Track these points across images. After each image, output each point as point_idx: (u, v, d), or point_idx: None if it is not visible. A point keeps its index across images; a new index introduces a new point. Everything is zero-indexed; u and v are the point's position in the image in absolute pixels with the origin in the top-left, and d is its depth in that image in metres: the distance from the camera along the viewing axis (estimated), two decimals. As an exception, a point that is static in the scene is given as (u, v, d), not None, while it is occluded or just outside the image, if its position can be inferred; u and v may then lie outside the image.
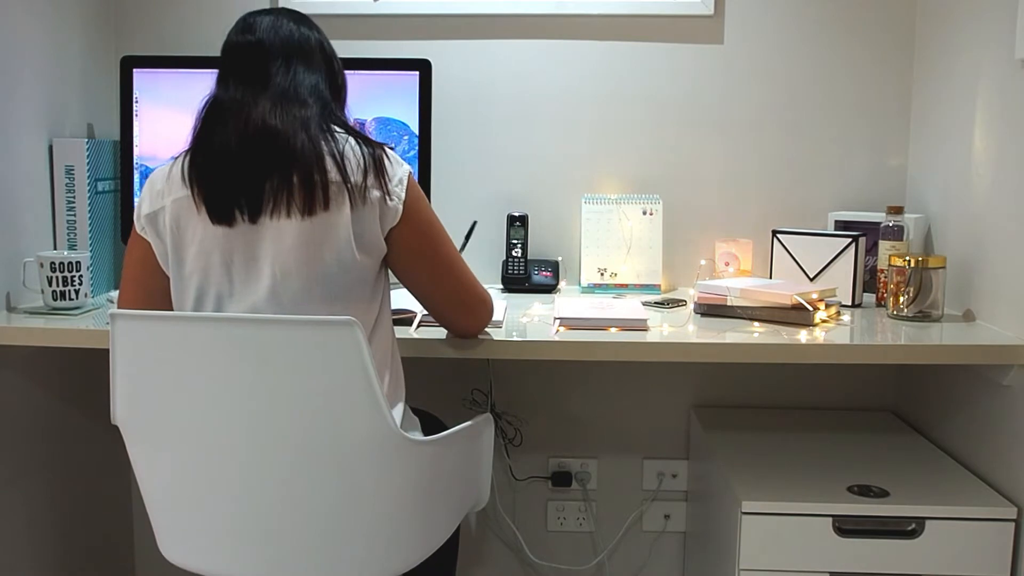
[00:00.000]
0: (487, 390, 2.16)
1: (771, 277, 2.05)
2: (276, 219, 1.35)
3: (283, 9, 1.50)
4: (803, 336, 1.68)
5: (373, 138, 1.44)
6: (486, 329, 1.63)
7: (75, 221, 1.93)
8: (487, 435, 1.63)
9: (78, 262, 1.79)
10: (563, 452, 2.26)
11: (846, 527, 1.62)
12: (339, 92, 1.51)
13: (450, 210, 1.99)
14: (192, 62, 1.99)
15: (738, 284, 1.86)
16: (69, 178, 1.92)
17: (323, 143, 1.37)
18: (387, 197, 1.38)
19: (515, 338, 1.64)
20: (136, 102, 1.98)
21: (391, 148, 1.45)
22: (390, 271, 1.48)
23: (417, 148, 1.98)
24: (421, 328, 1.66)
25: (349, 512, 1.35)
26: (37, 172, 1.88)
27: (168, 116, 1.98)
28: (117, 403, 1.36)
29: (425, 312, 1.61)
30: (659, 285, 2.12)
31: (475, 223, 1.98)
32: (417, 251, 1.44)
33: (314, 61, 1.45)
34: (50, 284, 1.78)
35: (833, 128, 2.16)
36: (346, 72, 1.54)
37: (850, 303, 1.95)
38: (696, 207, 2.19)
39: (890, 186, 2.17)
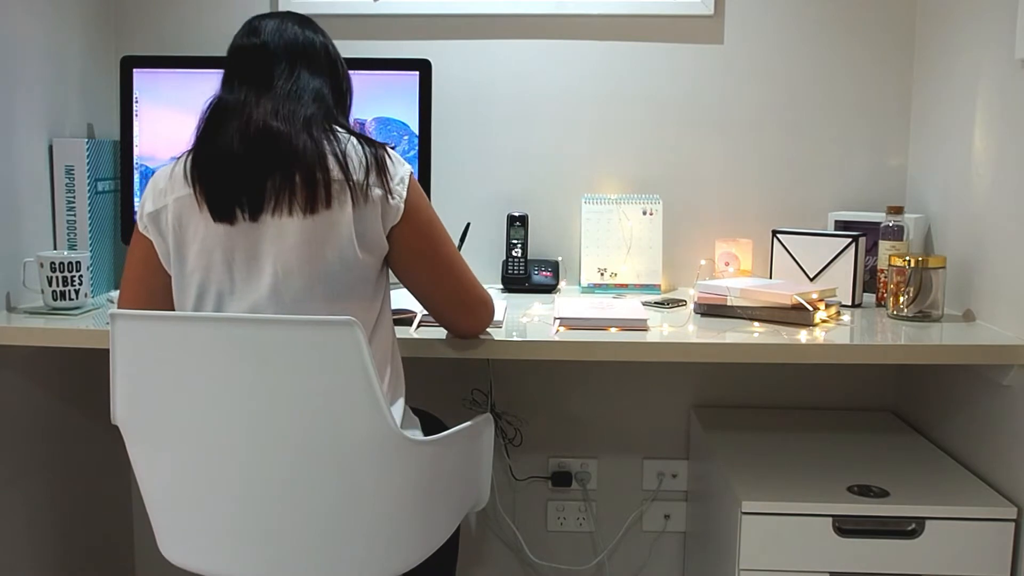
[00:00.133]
0: (487, 390, 2.16)
1: (771, 277, 2.05)
2: (278, 217, 1.35)
3: (289, 13, 1.51)
4: (803, 336, 1.68)
5: (374, 138, 1.44)
6: (486, 329, 1.63)
7: (75, 221, 1.93)
8: (487, 435, 1.63)
9: (78, 262, 1.79)
10: (563, 452, 2.26)
11: (846, 527, 1.62)
12: (343, 96, 1.52)
13: (450, 210, 1.99)
14: (192, 62, 1.99)
15: (738, 284, 1.86)
16: (69, 178, 1.92)
17: (325, 143, 1.37)
18: (389, 196, 1.39)
19: (515, 338, 1.64)
20: (136, 102, 1.98)
21: (392, 148, 1.45)
22: (391, 271, 1.48)
23: (417, 148, 1.98)
24: (421, 328, 1.66)
25: (349, 512, 1.35)
26: (37, 172, 1.88)
27: (168, 116, 1.98)
28: (117, 403, 1.36)
29: (425, 312, 1.61)
30: (659, 285, 2.12)
31: (468, 225, 1.97)
32: (418, 250, 1.45)
33: (318, 65, 1.46)
34: (50, 284, 1.78)
35: (833, 128, 2.16)
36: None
37: (850, 303, 1.95)
38: (696, 207, 2.19)
39: (890, 186, 2.17)
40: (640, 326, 1.70)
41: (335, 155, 1.37)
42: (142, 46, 2.17)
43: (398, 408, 1.44)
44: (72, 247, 1.93)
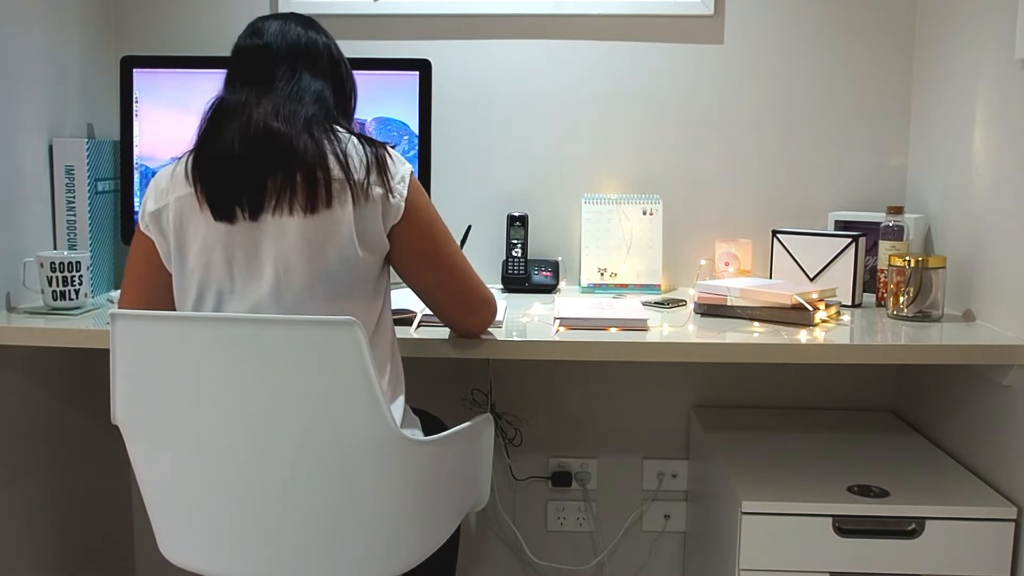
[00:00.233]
0: (487, 390, 2.16)
1: (771, 277, 2.05)
2: (278, 216, 1.35)
3: (292, 14, 1.51)
4: (803, 336, 1.68)
5: (375, 138, 1.44)
6: (488, 329, 1.63)
7: (75, 221, 1.93)
8: (487, 435, 1.63)
9: (78, 262, 1.79)
10: (563, 452, 2.26)
11: (846, 527, 1.62)
12: (345, 97, 1.52)
13: (450, 210, 1.98)
14: (192, 62, 1.99)
15: (738, 284, 1.86)
16: (69, 178, 1.92)
17: (326, 142, 1.37)
18: (389, 194, 1.39)
19: (515, 338, 1.64)
20: (136, 102, 1.98)
21: (392, 147, 1.46)
22: (393, 270, 1.48)
23: (417, 148, 1.98)
24: (421, 328, 1.66)
25: (349, 512, 1.35)
26: (37, 172, 1.88)
27: (168, 116, 1.98)
28: (117, 403, 1.36)
29: (426, 312, 1.61)
30: (659, 285, 2.12)
31: (469, 227, 1.97)
32: (419, 250, 1.45)
33: (320, 66, 1.46)
34: (50, 284, 1.78)
35: (833, 128, 2.16)
36: (348, 73, 1.54)
37: (850, 303, 1.95)
38: (696, 207, 2.19)
39: (890, 186, 2.17)
40: (640, 326, 1.70)
41: (336, 154, 1.37)
42: (142, 46, 2.17)
43: (398, 408, 1.44)
44: (72, 247, 1.93)
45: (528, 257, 2.14)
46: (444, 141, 2.13)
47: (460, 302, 1.53)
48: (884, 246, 1.97)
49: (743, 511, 1.63)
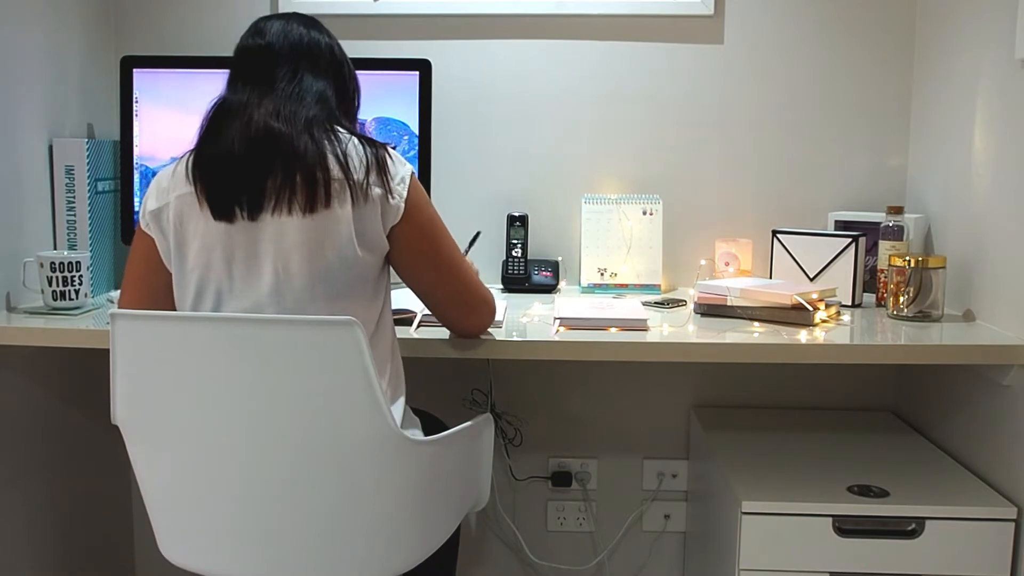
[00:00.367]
0: (487, 390, 2.16)
1: (771, 277, 2.05)
2: (277, 216, 1.35)
3: (295, 14, 1.51)
4: (803, 336, 1.68)
5: (375, 139, 1.45)
6: (487, 329, 1.63)
7: (75, 221, 1.93)
8: (487, 435, 1.63)
9: (78, 262, 1.79)
10: (563, 452, 2.26)
11: (846, 527, 1.62)
12: (348, 98, 1.52)
13: (450, 210, 1.98)
14: (192, 62, 1.99)
15: (738, 284, 1.86)
16: (69, 178, 1.92)
17: (326, 143, 1.37)
18: (389, 195, 1.39)
19: (515, 338, 1.64)
20: (136, 102, 1.98)
21: (393, 148, 1.46)
22: (393, 269, 1.48)
23: (417, 148, 1.98)
24: (421, 328, 1.66)
25: (349, 512, 1.35)
26: (37, 172, 1.88)
27: (168, 116, 1.98)
28: (117, 403, 1.36)
29: (425, 312, 1.61)
30: (659, 285, 2.12)
31: (478, 233, 1.91)
32: (419, 250, 1.45)
33: (322, 66, 1.46)
34: (50, 284, 1.78)
35: (833, 128, 2.16)
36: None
37: (850, 303, 1.95)
38: (696, 207, 2.19)
39: (890, 186, 2.17)
40: (640, 326, 1.70)
41: (335, 155, 1.37)
42: (142, 46, 2.17)
43: (398, 408, 1.44)
44: (72, 247, 1.93)
45: (528, 257, 2.14)
46: (444, 141, 2.13)
47: (460, 302, 1.53)
48: (884, 246, 1.97)
49: (743, 511, 1.63)
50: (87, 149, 1.93)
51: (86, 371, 2.04)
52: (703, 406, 2.22)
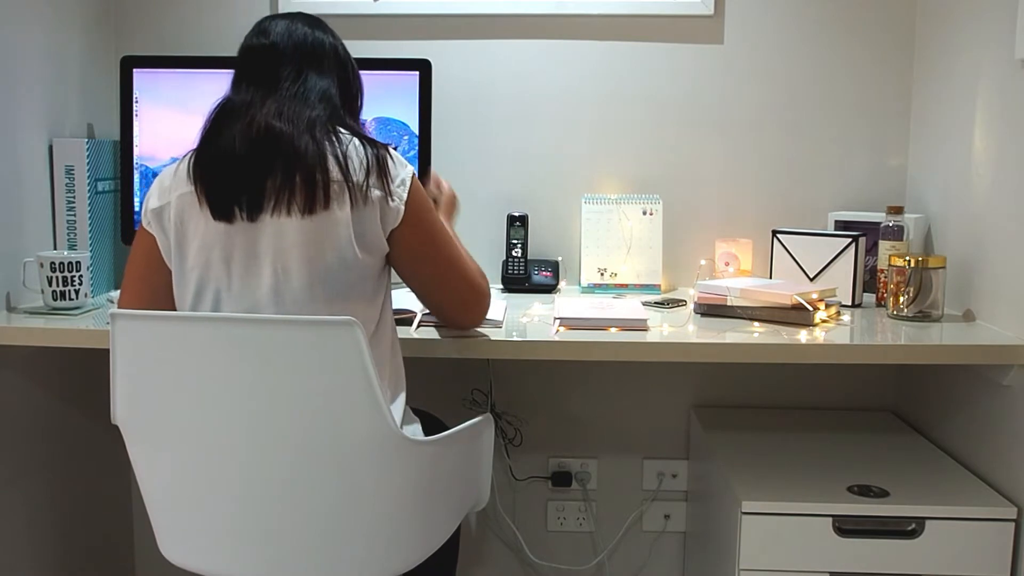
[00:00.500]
0: (487, 390, 2.16)
1: (771, 277, 2.05)
2: (277, 216, 1.35)
3: (299, 14, 1.51)
4: (803, 336, 1.68)
5: (376, 139, 1.44)
6: (485, 330, 1.63)
7: (75, 221, 1.93)
8: (487, 435, 1.63)
9: (78, 262, 1.79)
10: (563, 452, 2.26)
11: (846, 527, 1.62)
12: (351, 97, 1.52)
13: (450, 210, 1.99)
14: (192, 62, 1.99)
15: (738, 284, 1.86)
16: (69, 178, 1.92)
17: (327, 144, 1.37)
18: (389, 198, 1.39)
19: (515, 338, 1.64)
20: (136, 102, 1.98)
21: (394, 149, 1.45)
22: (393, 270, 1.48)
23: (417, 148, 1.98)
24: (421, 328, 1.66)
25: (349, 512, 1.35)
26: (37, 172, 1.88)
27: (168, 116, 1.98)
28: (117, 403, 1.36)
29: (425, 312, 1.61)
30: (659, 285, 2.12)
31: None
32: (419, 253, 1.45)
33: (326, 66, 1.46)
34: (50, 284, 1.78)
35: (833, 128, 2.16)
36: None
37: (850, 303, 1.95)
38: (696, 207, 2.19)
39: (890, 186, 2.17)
40: (640, 326, 1.70)
41: (336, 156, 1.37)
42: (142, 46, 2.17)
43: (398, 407, 1.44)
44: (72, 247, 1.93)
45: (528, 257, 2.14)
46: (444, 141, 2.13)
47: (460, 301, 1.54)
48: (884, 246, 1.97)
49: (743, 511, 1.63)
50: (87, 149, 1.93)
51: (86, 371, 2.04)
52: (703, 406, 2.22)
